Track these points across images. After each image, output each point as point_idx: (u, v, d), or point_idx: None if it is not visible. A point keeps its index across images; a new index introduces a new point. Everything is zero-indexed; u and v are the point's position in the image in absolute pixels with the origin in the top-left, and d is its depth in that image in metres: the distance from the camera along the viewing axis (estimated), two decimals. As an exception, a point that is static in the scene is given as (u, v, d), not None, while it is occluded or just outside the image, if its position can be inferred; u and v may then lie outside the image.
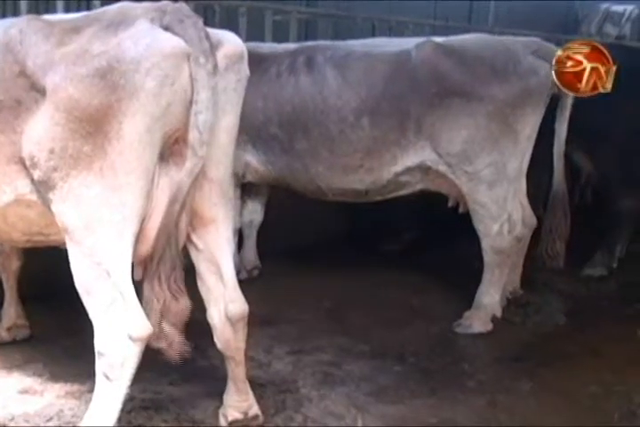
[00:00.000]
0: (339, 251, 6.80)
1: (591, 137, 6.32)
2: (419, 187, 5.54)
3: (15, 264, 4.82)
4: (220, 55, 3.34)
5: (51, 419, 3.92)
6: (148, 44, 3.11)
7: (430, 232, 7.34)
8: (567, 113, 5.33)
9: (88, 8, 5.82)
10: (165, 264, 3.32)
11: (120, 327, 3.29)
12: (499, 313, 5.45)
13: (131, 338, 3.29)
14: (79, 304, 5.23)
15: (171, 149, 3.33)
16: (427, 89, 5.14)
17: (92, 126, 3.13)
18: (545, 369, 4.77)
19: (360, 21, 7.94)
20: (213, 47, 3.26)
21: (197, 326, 3.83)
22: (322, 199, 5.80)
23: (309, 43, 6.02)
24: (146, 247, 3.39)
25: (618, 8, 13.29)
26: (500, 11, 11.10)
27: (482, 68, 5.12)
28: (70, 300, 5.20)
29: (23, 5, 5.60)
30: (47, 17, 3.45)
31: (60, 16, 3.49)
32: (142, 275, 3.45)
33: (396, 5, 9.23)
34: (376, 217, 7.11)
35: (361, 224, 7.35)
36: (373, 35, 7.79)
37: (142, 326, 3.30)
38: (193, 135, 3.23)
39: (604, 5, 13.35)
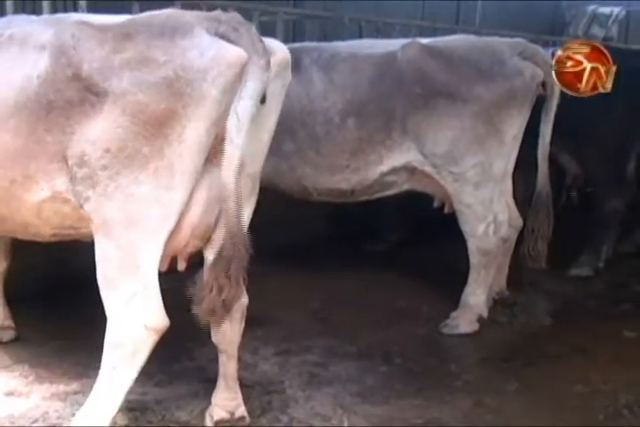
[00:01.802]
0: (325, 252, 6.81)
1: (577, 138, 6.35)
2: (405, 187, 5.55)
3: (2, 266, 4.82)
4: (272, 63, 3.43)
5: (36, 421, 3.91)
6: (214, 55, 3.26)
7: (417, 233, 7.35)
8: (552, 114, 5.34)
9: (74, 8, 5.80)
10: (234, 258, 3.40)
11: (137, 318, 3.39)
12: (485, 313, 5.46)
13: (146, 328, 3.39)
14: (65, 307, 5.24)
15: (216, 148, 3.43)
16: (412, 90, 5.16)
17: (155, 129, 3.26)
18: (531, 369, 4.79)
19: (347, 22, 7.93)
20: (266, 49, 3.38)
21: (185, 328, 3.82)
22: (307, 200, 5.80)
23: (296, 44, 6.02)
24: (182, 241, 3.55)
25: (605, 10, 13.34)
26: (487, 12, 11.12)
27: (467, 69, 5.14)
28: (56, 302, 5.22)
29: (9, 6, 5.56)
30: (87, 18, 3.51)
31: (100, 18, 3.53)
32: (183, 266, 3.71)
33: (384, 6, 9.23)
34: (363, 218, 7.13)
35: (348, 225, 7.36)
36: (360, 36, 7.78)
37: (160, 318, 3.43)
38: (232, 122, 3.30)
39: (591, 7, 13.39)
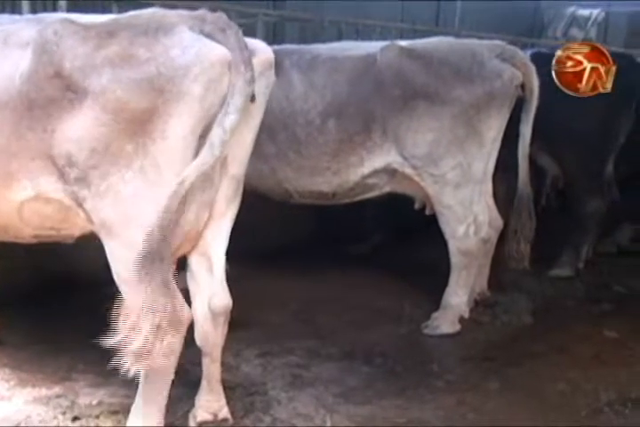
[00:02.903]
0: (307, 253, 6.80)
1: (556, 140, 6.39)
2: (385, 189, 5.57)
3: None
4: (255, 63, 3.43)
5: (19, 424, 3.89)
6: (197, 52, 3.26)
7: (398, 234, 7.37)
8: (532, 116, 5.38)
9: (54, 8, 5.80)
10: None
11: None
12: (466, 314, 5.49)
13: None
14: (46, 310, 5.22)
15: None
16: (392, 92, 5.18)
17: (137, 127, 3.26)
18: (513, 368, 4.82)
19: (327, 24, 7.93)
20: (251, 56, 3.38)
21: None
22: (288, 202, 5.81)
23: (276, 46, 6.01)
24: (175, 245, 3.47)
25: (584, 12, 13.40)
26: (466, 15, 11.15)
27: (446, 70, 5.16)
28: (37, 306, 5.20)
29: (-12, 5, 5.56)
30: (75, 18, 3.49)
31: (85, 17, 3.54)
32: None
33: (363, 9, 9.25)
34: (344, 219, 7.13)
35: (329, 227, 7.36)
36: (340, 38, 7.78)
37: (183, 311, 3.39)
38: (216, 133, 3.30)
39: (570, 9, 13.44)
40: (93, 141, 3.27)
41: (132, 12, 3.48)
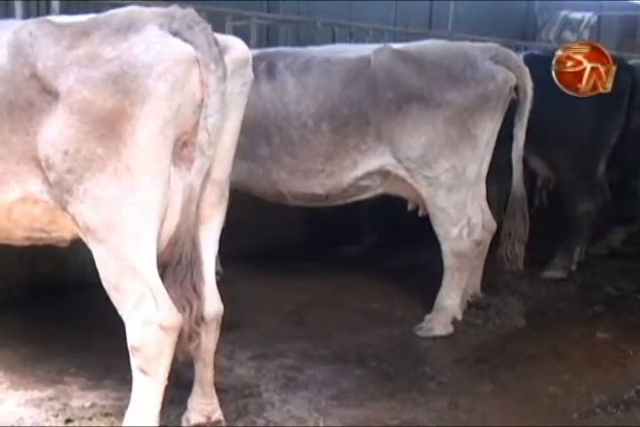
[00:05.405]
0: (299, 256, 6.81)
1: (547, 141, 6.40)
2: (379, 191, 5.57)
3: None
4: (227, 60, 3.38)
5: (11, 427, 3.89)
6: (160, 49, 3.20)
7: (391, 236, 7.37)
8: (525, 119, 5.38)
9: (47, 9, 5.80)
10: (183, 266, 3.35)
11: (151, 320, 3.33)
12: (459, 316, 5.49)
13: (163, 329, 3.33)
14: (38, 313, 5.21)
15: (179, 153, 3.39)
16: (385, 95, 5.18)
17: (106, 129, 3.20)
18: (505, 370, 4.82)
19: (321, 27, 7.95)
20: (222, 53, 3.33)
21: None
22: (281, 203, 5.81)
23: (270, 49, 6.04)
24: (161, 248, 3.43)
25: (576, 15, 13.44)
26: (459, 17, 11.19)
27: (439, 73, 5.17)
28: (30, 309, 5.19)
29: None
30: (54, 19, 3.47)
31: (66, 18, 3.52)
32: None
33: (357, 11, 9.28)
34: (337, 221, 7.14)
35: (321, 229, 7.36)
36: (334, 40, 7.82)
37: (173, 317, 3.35)
38: (202, 136, 3.29)
39: (563, 12, 13.49)
40: (65, 144, 3.23)
41: (111, 11, 3.43)
